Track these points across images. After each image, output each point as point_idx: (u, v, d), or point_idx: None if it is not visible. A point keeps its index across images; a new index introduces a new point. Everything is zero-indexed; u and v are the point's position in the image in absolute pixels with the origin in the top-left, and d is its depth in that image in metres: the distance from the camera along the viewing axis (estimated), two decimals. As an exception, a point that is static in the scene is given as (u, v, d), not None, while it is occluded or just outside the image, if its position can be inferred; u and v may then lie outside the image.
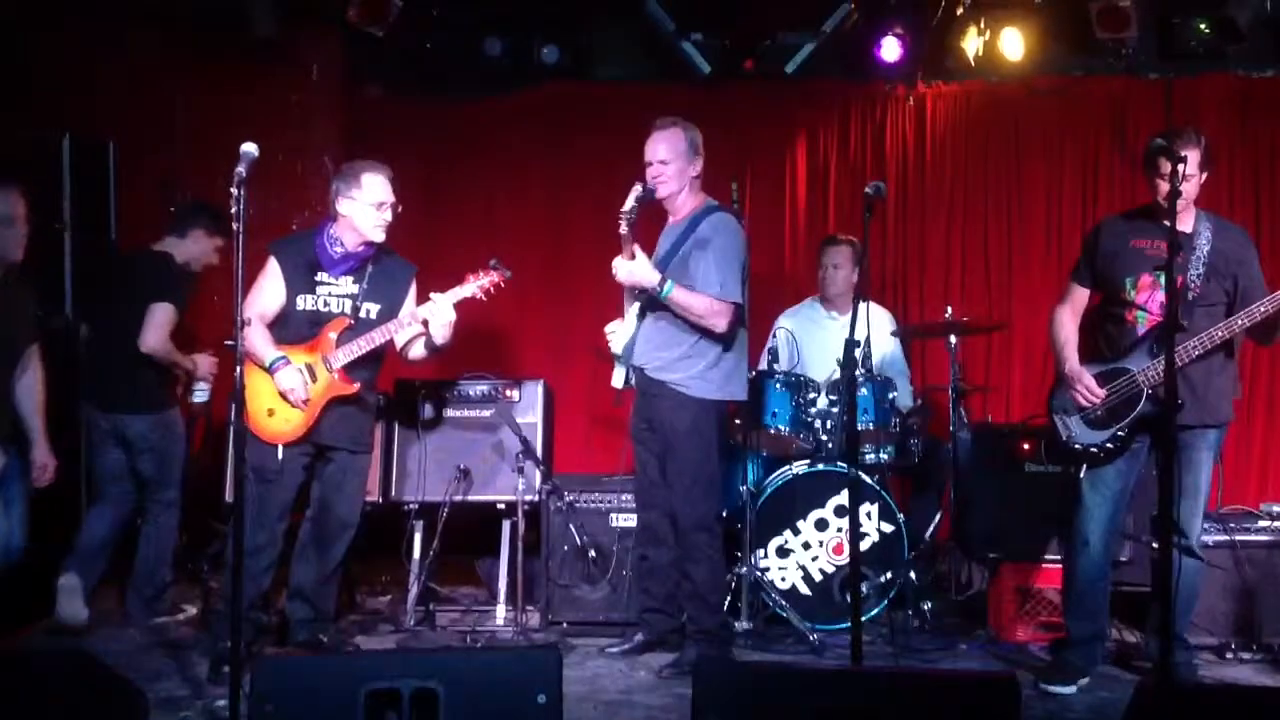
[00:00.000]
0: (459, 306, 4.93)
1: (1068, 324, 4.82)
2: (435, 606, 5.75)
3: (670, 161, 4.87)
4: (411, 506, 5.79)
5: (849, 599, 4.21)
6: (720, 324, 4.80)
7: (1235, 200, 6.95)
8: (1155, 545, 4.66)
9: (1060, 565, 5.04)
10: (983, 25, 7.08)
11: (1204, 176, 4.60)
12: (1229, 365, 4.67)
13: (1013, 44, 7.03)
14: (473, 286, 4.96)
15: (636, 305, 4.96)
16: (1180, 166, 4.16)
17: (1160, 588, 4.31)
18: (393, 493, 5.82)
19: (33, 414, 5.04)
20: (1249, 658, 5.06)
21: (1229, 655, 5.06)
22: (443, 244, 7.04)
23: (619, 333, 4.98)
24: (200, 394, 5.75)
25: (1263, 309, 4.43)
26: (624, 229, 4.76)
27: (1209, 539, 4.98)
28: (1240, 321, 4.47)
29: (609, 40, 7.52)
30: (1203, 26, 6.96)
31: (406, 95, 7.46)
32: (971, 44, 7.14)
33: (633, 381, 5.00)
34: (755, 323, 5.80)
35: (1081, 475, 4.72)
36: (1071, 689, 4.63)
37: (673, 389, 4.86)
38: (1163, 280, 4.31)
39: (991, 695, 2.95)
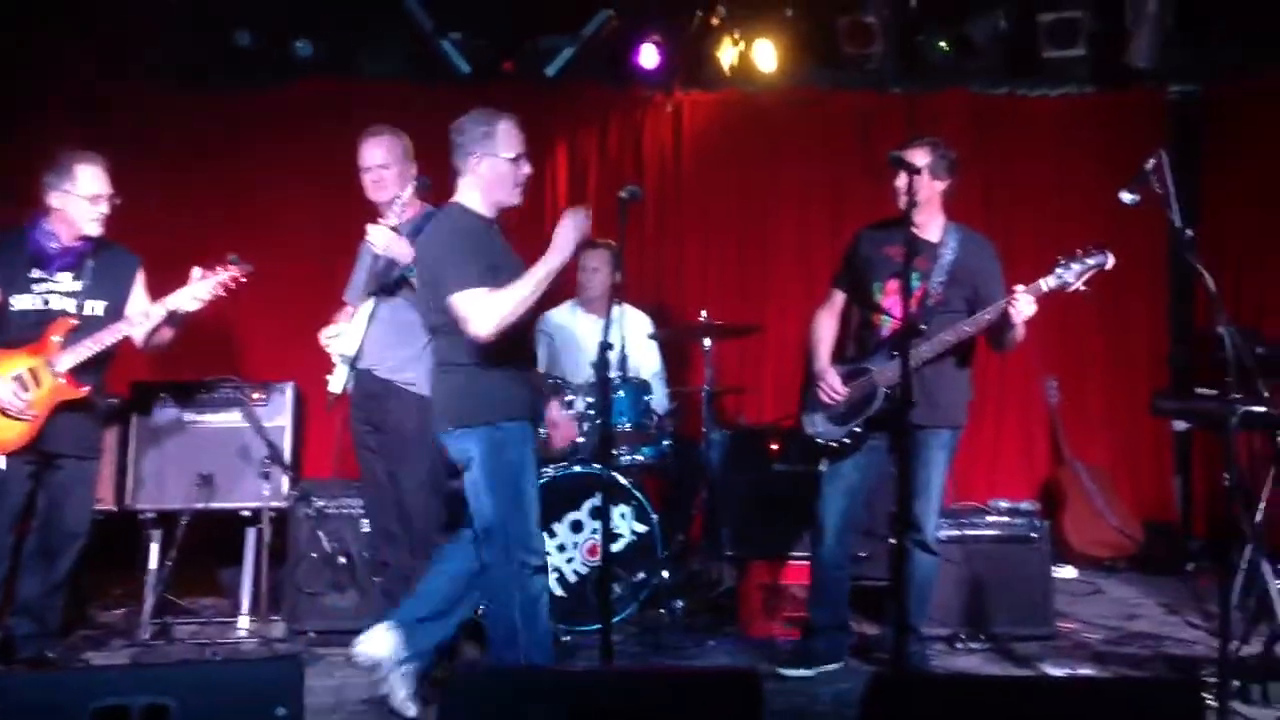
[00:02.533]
0: (210, 305, 4.74)
1: (824, 325, 4.97)
2: (173, 619, 5.50)
3: (390, 166, 4.85)
4: (148, 515, 5.55)
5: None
6: None
7: (970, 213, 7.24)
8: (893, 541, 4.84)
9: (807, 562, 5.19)
10: (737, 36, 7.24)
11: (942, 184, 4.77)
12: (963, 370, 4.85)
13: (765, 56, 7.22)
14: (206, 285, 4.72)
15: (369, 304, 4.84)
16: (915, 177, 4.34)
17: (895, 582, 4.51)
18: (128, 501, 5.55)
19: None
20: (977, 647, 5.28)
21: (959, 645, 5.28)
22: (195, 240, 6.64)
23: (345, 335, 4.85)
24: None
25: (986, 317, 4.62)
26: (397, 207, 4.73)
27: (943, 534, 5.17)
28: (966, 328, 4.65)
29: (367, 37, 7.34)
30: (942, 44, 7.30)
31: (160, 88, 7.10)
32: (726, 54, 7.30)
33: (350, 386, 4.89)
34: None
35: (822, 468, 4.89)
36: (809, 672, 4.81)
37: (402, 389, 4.78)
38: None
39: (734, 689, 3.01)
